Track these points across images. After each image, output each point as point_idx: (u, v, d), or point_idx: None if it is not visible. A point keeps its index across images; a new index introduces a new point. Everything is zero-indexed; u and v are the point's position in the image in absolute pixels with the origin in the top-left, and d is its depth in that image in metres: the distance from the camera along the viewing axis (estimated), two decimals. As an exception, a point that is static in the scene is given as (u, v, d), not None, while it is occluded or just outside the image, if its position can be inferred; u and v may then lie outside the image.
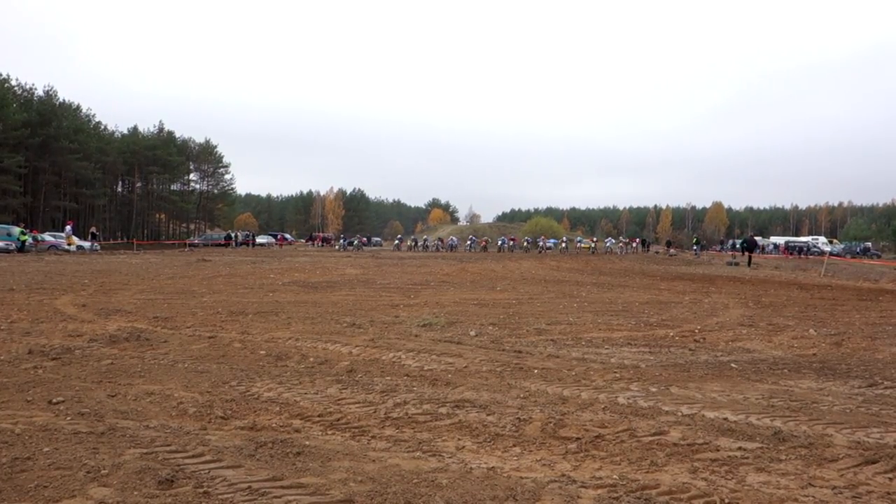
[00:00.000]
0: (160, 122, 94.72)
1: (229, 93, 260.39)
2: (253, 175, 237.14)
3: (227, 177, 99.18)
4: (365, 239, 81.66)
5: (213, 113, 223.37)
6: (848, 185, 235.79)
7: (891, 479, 3.85)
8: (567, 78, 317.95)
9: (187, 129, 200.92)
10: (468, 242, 68.51)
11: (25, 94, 66.86)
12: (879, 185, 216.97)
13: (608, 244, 68.60)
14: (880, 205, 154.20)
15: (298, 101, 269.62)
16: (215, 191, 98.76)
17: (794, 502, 3.48)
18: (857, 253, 66.06)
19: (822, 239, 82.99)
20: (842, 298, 15.88)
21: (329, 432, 4.61)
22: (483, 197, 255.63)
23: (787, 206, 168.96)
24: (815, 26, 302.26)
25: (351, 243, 67.01)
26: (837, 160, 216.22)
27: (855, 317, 11.85)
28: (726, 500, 3.48)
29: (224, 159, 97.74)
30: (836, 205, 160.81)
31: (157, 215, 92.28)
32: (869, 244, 79.47)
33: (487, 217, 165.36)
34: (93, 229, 49.97)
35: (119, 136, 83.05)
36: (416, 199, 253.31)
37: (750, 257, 36.59)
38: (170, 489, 3.44)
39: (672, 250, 64.41)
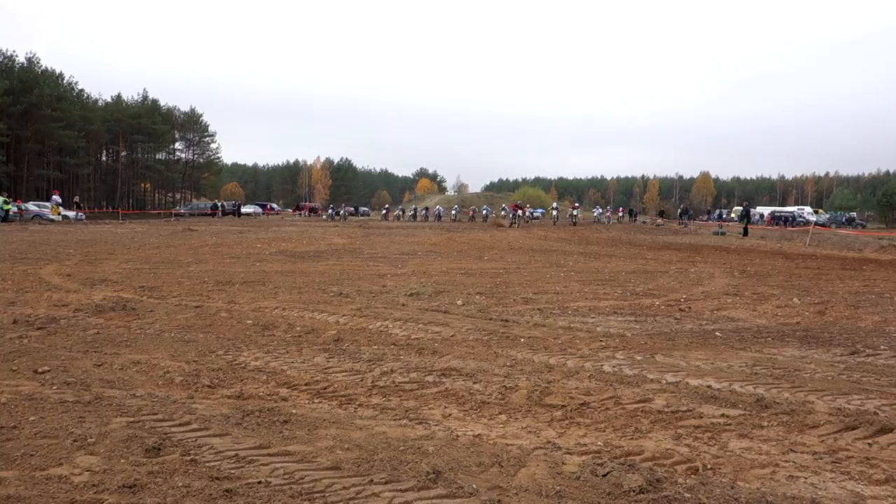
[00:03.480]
0: (144, 90, 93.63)
1: (215, 61, 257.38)
2: (239, 144, 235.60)
3: (213, 146, 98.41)
4: (352, 209, 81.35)
5: (199, 81, 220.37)
6: (834, 155, 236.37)
7: (870, 444, 3.91)
8: (556, 48, 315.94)
9: (172, 97, 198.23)
10: (452, 212, 67.94)
11: (6, 61, 65.73)
12: (865, 155, 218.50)
13: (596, 214, 68.50)
14: (866, 175, 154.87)
15: (285, 70, 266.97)
16: (201, 160, 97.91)
17: (776, 468, 3.53)
18: (842, 223, 66.44)
19: (808, 209, 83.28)
20: (826, 268, 16.00)
21: (316, 401, 4.63)
22: (471, 166, 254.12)
23: (774, 177, 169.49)
24: (817, 3, 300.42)
25: (338, 213, 66.79)
26: (825, 130, 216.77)
27: (838, 286, 11.96)
28: (708, 466, 3.53)
29: (210, 128, 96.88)
30: (822, 175, 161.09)
31: (143, 185, 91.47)
32: (854, 214, 79.97)
33: (475, 186, 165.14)
34: (76, 199, 49.60)
35: (102, 104, 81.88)
36: (403, 168, 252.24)
37: (746, 227, 36.78)
38: (157, 457, 3.45)
39: (659, 220, 64.63)
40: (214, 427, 3.93)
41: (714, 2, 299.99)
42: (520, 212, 47.99)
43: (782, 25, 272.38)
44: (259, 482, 3.19)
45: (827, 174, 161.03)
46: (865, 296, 10.61)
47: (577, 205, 60.08)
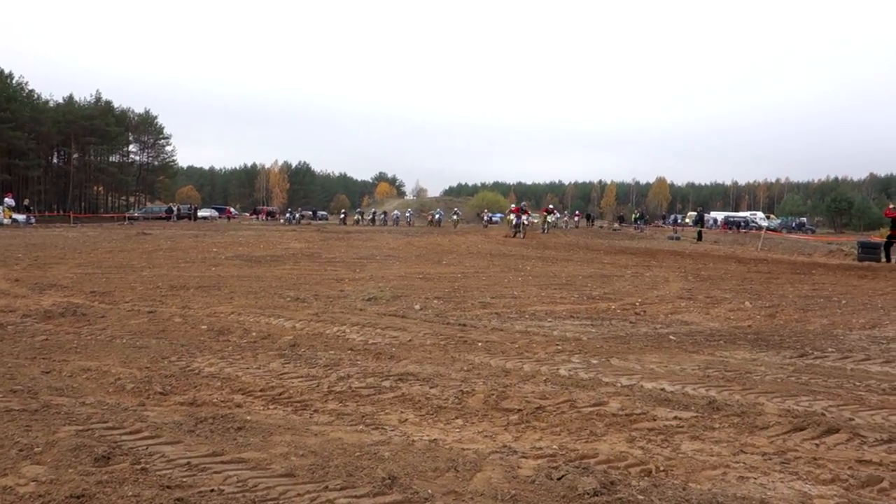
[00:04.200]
0: (97, 91, 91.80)
1: (171, 63, 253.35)
2: (195, 147, 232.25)
3: (168, 148, 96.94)
4: (310, 213, 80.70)
5: (154, 83, 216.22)
6: (785, 161, 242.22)
7: (817, 445, 4.00)
8: (516, 55, 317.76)
9: (126, 99, 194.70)
10: (406, 214, 67.56)
11: (-48, 60, 64.03)
12: (815, 162, 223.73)
13: (555, 218, 68.88)
14: (815, 181, 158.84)
15: (243, 72, 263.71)
16: (156, 163, 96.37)
17: (726, 469, 3.59)
18: (793, 228, 68.09)
19: (760, 214, 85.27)
20: (777, 272, 16.35)
21: (271, 407, 4.58)
22: (431, 171, 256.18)
23: (728, 182, 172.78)
24: (769, 14, 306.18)
25: (294, 216, 66.34)
26: (777, 138, 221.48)
27: (788, 290, 12.22)
28: (661, 468, 3.57)
29: (165, 130, 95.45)
30: (773, 181, 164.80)
31: (95, 187, 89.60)
32: (804, 219, 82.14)
33: (435, 191, 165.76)
34: (26, 202, 48.44)
35: (54, 105, 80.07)
36: (363, 172, 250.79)
37: (700, 232, 37.57)
38: (106, 466, 3.38)
39: (616, 225, 65.38)
40: (166, 435, 3.86)
41: (669, 11, 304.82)
42: (525, 217, 36.99)
43: (737, 35, 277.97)
44: (212, 490, 3.14)
45: (778, 180, 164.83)
46: (814, 299, 10.86)
47: (550, 207, 50.06)
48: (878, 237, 30.42)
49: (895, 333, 7.86)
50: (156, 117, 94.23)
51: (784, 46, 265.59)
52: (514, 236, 34.59)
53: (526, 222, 36.38)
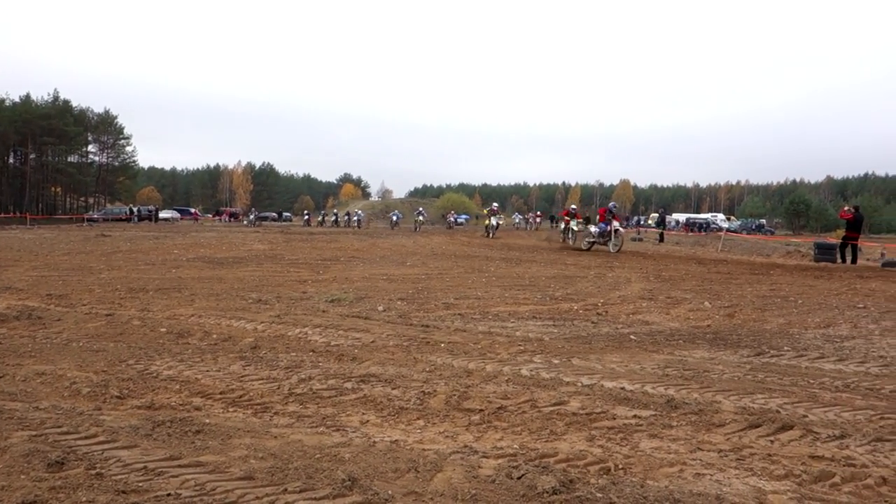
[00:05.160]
0: (55, 90, 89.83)
1: (130, 62, 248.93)
2: (156, 147, 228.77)
3: (129, 149, 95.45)
4: (275, 215, 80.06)
5: (113, 82, 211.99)
6: (746, 164, 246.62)
7: (772, 441, 4.08)
8: (481, 58, 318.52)
9: (85, 98, 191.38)
10: (356, 217, 64.29)
11: None
12: (774, 165, 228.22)
13: (516, 220, 69.11)
14: (774, 183, 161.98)
15: (204, 71, 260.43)
16: (116, 163, 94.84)
17: (683, 466, 3.64)
18: (753, 229, 69.23)
19: (721, 216, 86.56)
20: (736, 272, 16.59)
21: (231, 410, 4.53)
22: (396, 172, 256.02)
23: (689, 185, 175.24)
24: (735, 25, 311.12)
25: (255, 217, 65.72)
26: (737, 141, 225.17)
27: (747, 290, 12.41)
28: (620, 466, 3.61)
29: (125, 130, 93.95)
30: (734, 183, 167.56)
31: (53, 188, 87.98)
32: (763, 221, 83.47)
33: (400, 192, 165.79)
34: (-19, 203, 47.42)
35: (10, 104, 78.48)
36: (327, 173, 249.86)
37: (662, 233, 38.07)
38: (59, 472, 3.32)
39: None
40: (122, 439, 3.80)
41: (634, 19, 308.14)
42: (593, 227, 25.08)
43: (700, 44, 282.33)
44: (168, 494, 3.10)
45: (738, 182, 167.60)
46: (772, 299, 11.04)
47: (573, 208, 31.94)
48: (834, 238, 31.15)
49: (849, 332, 8.04)
50: (115, 117, 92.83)
51: (746, 55, 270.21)
52: (570, 242, 27.29)
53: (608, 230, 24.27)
